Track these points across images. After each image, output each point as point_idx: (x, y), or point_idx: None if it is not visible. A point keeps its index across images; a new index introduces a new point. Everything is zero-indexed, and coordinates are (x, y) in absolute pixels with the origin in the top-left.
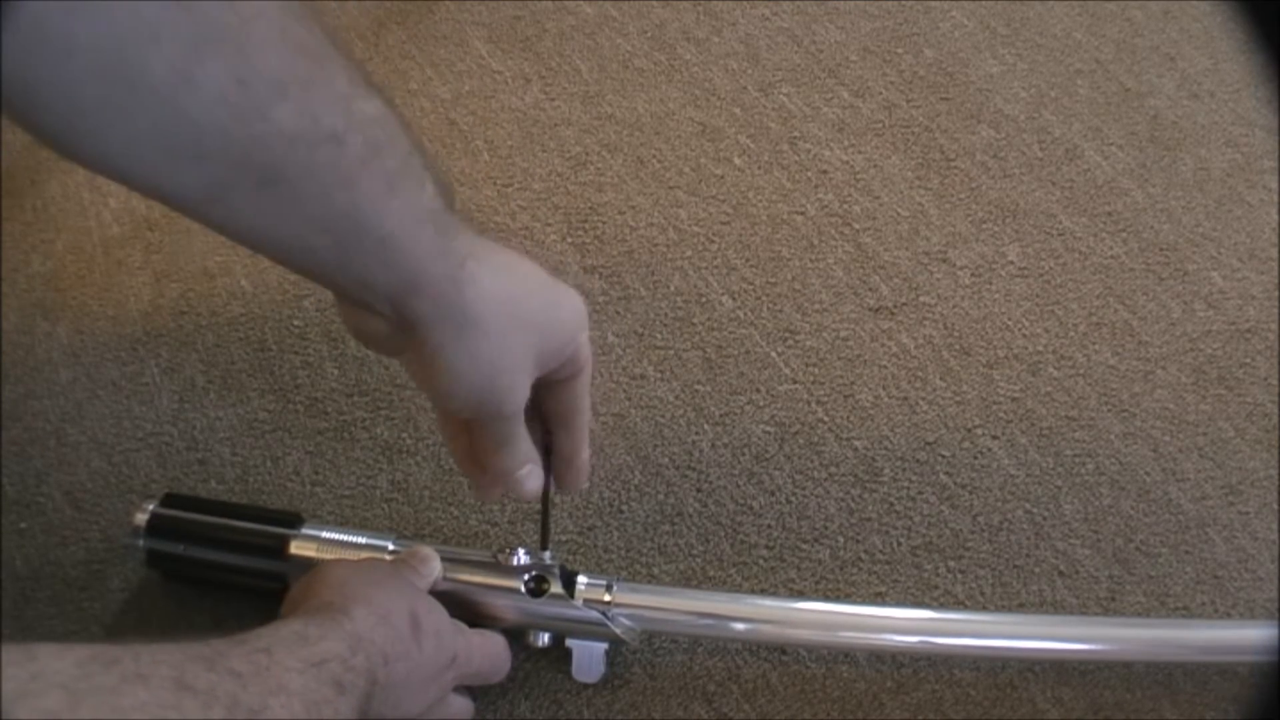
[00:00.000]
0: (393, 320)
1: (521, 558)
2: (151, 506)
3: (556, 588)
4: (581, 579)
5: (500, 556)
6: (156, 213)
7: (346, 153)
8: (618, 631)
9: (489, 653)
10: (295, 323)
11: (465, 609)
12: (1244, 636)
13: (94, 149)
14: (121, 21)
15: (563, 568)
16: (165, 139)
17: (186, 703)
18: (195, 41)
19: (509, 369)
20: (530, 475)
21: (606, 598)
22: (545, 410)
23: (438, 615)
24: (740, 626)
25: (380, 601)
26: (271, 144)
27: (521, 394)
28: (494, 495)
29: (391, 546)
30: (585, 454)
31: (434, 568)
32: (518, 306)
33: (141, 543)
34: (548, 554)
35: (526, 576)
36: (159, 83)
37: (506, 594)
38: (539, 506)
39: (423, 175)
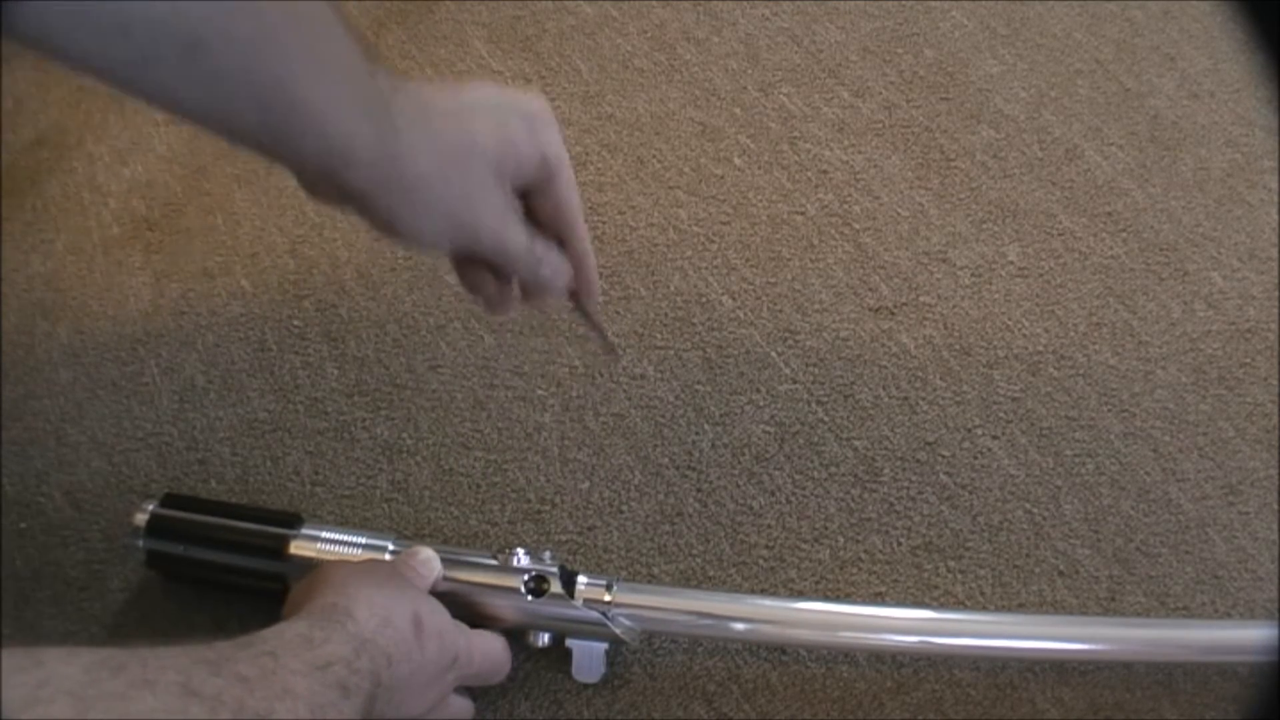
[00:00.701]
0: (336, 193)
1: (521, 558)
2: (151, 507)
3: (556, 588)
4: (581, 579)
5: (500, 556)
6: (156, 213)
7: (265, 20)
8: (618, 631)
9: (490, 653)
10: (295, 323)
11: (465, 609)
12: (1244, 636)
13: (25, 26)
14: None
15: (563, 568)
16: (90, 13)
17: (193, 708)
18: None
19: (468, 207)
20: (556, 273)
21: (606, 598)
22: (539, 219)
23: (440, 616)
24: (740, 626)
25: (383, 603)
26: (190, 11)
27: (494, 219)
28: (512, 310)
29: (391, 546)
30: (591, 254)
31: (434, 568)
32: (461, 149)
33: (141, 543)
34: (548, 554)
35: (526, 577)
36: None
37: (506, 594)
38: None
39: (346, 43)
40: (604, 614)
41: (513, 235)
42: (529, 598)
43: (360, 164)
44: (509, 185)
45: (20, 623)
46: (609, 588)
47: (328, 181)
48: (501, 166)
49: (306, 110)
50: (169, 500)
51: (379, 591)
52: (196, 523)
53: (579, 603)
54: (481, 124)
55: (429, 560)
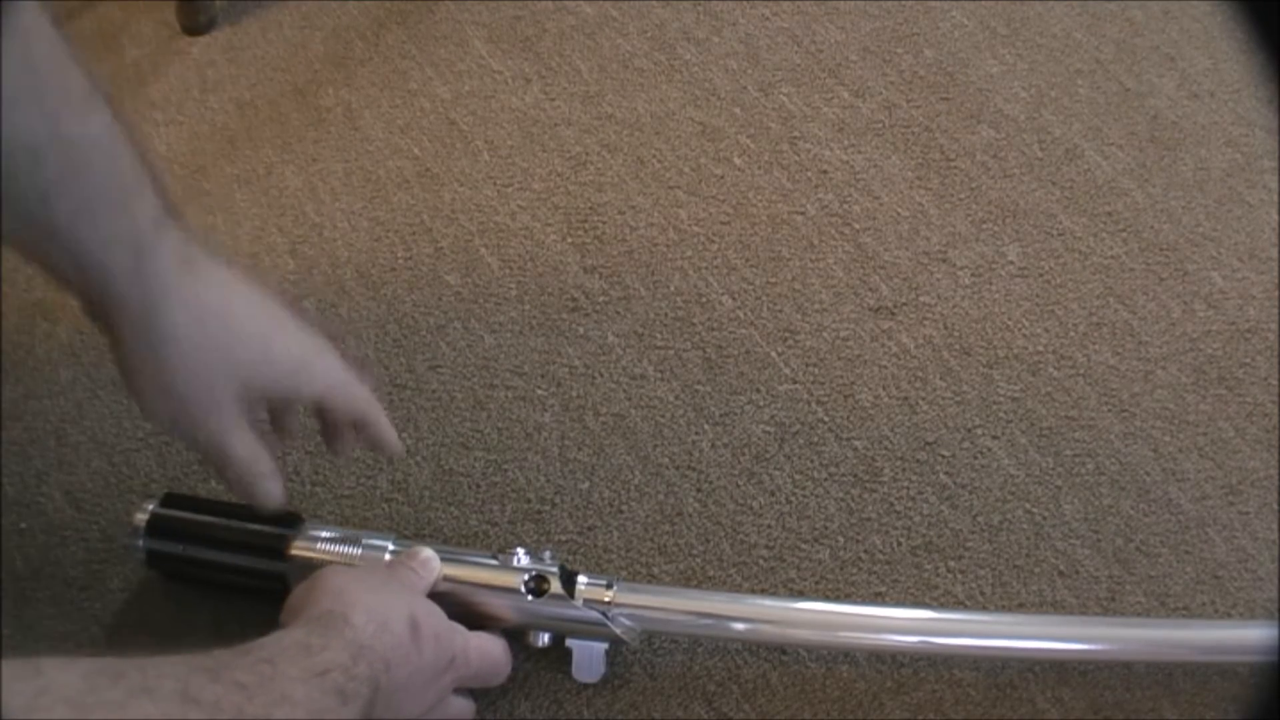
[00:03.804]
0: (103, 327)
1: (521, 558)
2: (151, 506)
3: (556, 588)
4: (581, 579)
5: (500, 556)
6: None
7: (44, 170)
8: (618, 631)
9: (488, 654)
10: None
11: (465, 609)
12: (1244, 636)
13: None
14: None
15: (563, 568)
16: None
17: (192, 714)
18: None
19: (197, 405)
20: (266, 492)
21: (607, 598)
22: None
23: (436, 618)
24: (740, 626)
25: (379, 608)
26: None
27: (216, 427)
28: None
29: (392, 546)
30: (387, 433)
31: (434, 568)
32: (215, 348)
33: (141, 543)
34: (548, 554)
35: (526, 576)
36: None
37: (506, 594)
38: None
39: (133, 200)
40: (604, 614)
41: (233, 445)
42: (529, 598)
43: (124, 316)
44: (251, 406)
45: (20, 623)
46: (609, 587)
47: (98, 316)
48: (251, 386)
49: (75, 256)
50: (169, 500)
51: (375, 597)
52: (196, 523)
53: (579, 603)
54: (242, 343)
55: (429, 560)
